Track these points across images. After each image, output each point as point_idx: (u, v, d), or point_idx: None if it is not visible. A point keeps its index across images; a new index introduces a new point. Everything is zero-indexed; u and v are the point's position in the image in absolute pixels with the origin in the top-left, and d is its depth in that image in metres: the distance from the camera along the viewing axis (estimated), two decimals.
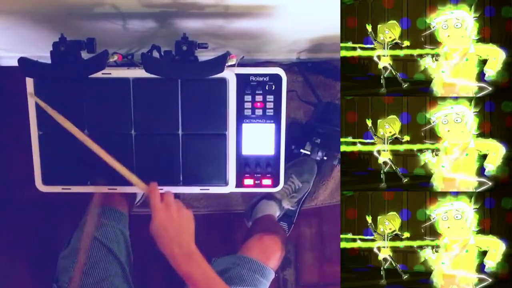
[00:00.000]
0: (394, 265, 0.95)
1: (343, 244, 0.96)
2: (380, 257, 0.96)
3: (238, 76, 1.07)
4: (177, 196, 1.59)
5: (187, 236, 0.98)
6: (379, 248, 0.95)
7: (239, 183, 1.13)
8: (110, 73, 1.05)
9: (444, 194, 0.95)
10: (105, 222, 1.16)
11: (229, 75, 1.06)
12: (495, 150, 0.93)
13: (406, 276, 0.95)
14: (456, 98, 0.93)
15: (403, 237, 0.95)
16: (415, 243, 0.95)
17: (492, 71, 0.93)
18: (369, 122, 0.95)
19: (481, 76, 0.93)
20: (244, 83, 1.07)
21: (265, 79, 1.07)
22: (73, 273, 1.04)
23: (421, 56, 0.94)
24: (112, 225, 1.17)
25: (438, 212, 0.95)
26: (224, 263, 1.19)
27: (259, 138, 1.11)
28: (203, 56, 1.05)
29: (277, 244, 1.26)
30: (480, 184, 0.94)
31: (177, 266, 0.95)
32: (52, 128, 1.08)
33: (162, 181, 1.11)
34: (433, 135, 0.95)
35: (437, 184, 0.95)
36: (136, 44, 1.28)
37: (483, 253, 0.94)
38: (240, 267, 1.16)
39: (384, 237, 0.95)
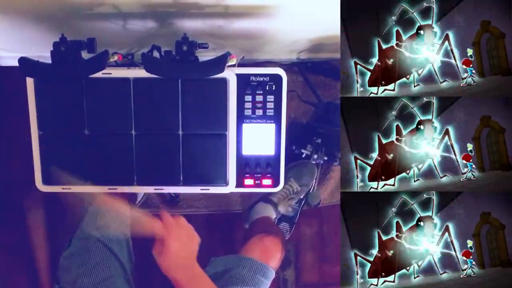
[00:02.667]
0: None
1: None
2: None
3: (238, 76, 1.06)
4: (176, 195, 1.61)
5: (192, 260, 0.98)
6: None
7: (239, 183, 1.13)
8: (110, 73, 1.05)
9: None
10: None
11: (230, 75, 1.06)
12: None
13: None
14: None
15: None
16: None
17: None
18: None
19: None
20: (245, 83, 1.07)
21: (265, 79, 1.07)
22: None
23: None
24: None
25: None
26: (225, 263, 1.19)
27: (259, 138, 1.11)
28: (204, 56, 1.05)
29: (277, 245, 1.26)
30: None
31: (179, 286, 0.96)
32: (52, 128, 1.08)
33: (162, 181, 1.11)
34: None
35: None
36: (136, 44, 1.28)
37: None
38: (242, 267, 1.16)
39: None
